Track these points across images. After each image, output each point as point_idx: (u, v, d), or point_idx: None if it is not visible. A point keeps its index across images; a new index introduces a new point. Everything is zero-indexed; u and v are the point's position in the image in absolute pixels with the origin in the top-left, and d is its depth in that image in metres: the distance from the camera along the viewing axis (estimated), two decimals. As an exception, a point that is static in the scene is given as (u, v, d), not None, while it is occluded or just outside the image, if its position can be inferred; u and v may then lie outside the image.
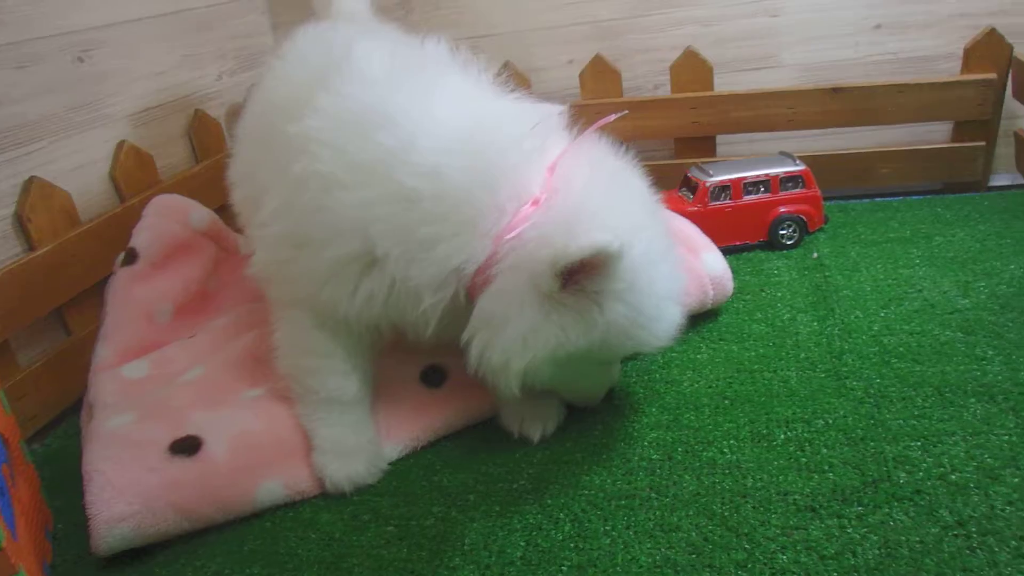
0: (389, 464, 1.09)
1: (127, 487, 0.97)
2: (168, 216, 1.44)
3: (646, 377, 1.23)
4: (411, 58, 1.10)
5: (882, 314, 1.29)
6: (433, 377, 1.18)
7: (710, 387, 1.18)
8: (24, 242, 1.30)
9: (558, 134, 1.04)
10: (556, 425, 1.13)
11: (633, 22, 1.87)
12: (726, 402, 1.14)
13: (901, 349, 1.19)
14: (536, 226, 0.93)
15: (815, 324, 1.30)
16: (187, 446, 1.02)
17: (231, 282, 1.49)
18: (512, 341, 0.93)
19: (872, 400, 1.09)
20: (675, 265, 1.02)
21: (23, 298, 1.25)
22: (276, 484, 1.04)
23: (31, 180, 1.31)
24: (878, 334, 1.24)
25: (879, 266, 1.45)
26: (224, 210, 1.60)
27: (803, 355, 1.22)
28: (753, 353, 1.25)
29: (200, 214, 1.50)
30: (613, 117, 1.05)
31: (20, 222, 1.29)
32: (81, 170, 1.43)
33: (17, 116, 1.30)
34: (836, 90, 1.71)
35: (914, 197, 1.73)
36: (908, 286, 1.37)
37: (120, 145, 1.51)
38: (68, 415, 1.33)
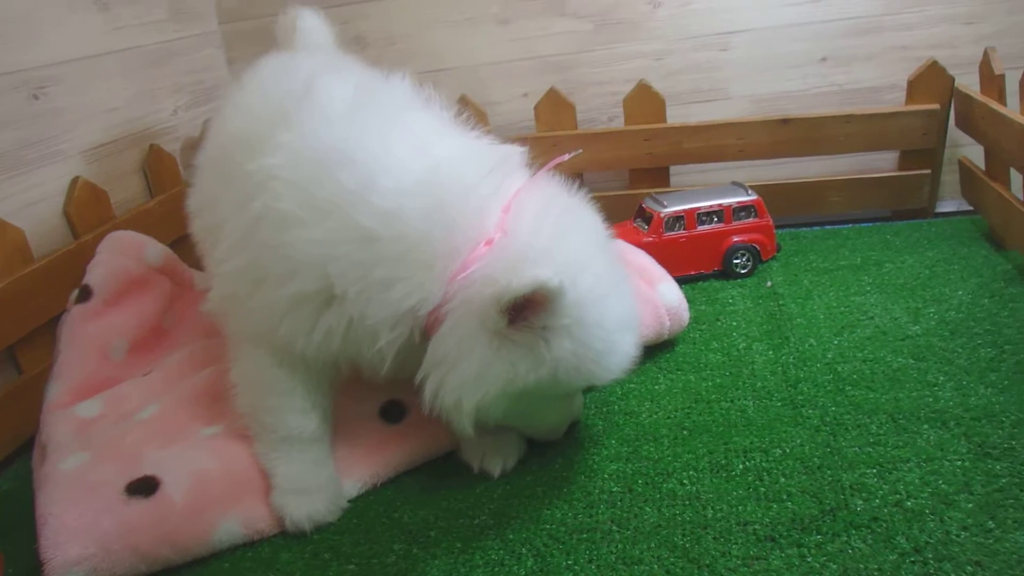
0: (349, 501, 1.08)
1: (82, 530, 0.95)
2: (122, 252, 1.43)
3: (605, 409, 1.24)
4: (373, 94, 1.09)
5: (835, 342, 1.32)
6: (393, 412, 1.18)
7: (668, 418, 1.19)
8: None
9: (516, 174, 1.04)
10: (516, 459, 1.13)
11: (581, 56, 1.90)
12: (685, 432, 1.15)
13: (855, 376, 1.21)
14: (486, 265, 0.93)
15: (770, 353, 1.32)
16: (143, 487, 1.01)
17: (186, 318, 1.48)
18: (463, 379, 0.93)
19: (828, 428, 1.10)
20: (626, 298, 1.01)
21: None
22: (234, 524, 1.02)
23: None
24: (832, 362, 1.26)
25: (831, 293, 1.48)
26: (179, 244, 1.62)
27: (759, 384, 1.24)
28: (710, 383, 1.26)
29: (154, 250, 1.49)
30: (567, 156, 1.07)
31: None
32: (35, 207, 1.42)
33: None
34: (785, 121, 1.76)
35: (863, 224, 1.78)
36: (860, 313, 1.39)
37: (74, 181, 1.50)
38: (19, 456, 1.31)
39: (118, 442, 1.11)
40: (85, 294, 1.35)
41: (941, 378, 1.18)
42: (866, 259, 1.60)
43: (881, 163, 1.82)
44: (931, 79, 1.70)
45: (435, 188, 0.97)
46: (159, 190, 1.75)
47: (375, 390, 1.18)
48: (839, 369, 1.24)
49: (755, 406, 1.18)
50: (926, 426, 1.08)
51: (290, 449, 1.07)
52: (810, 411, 1.15)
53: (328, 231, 0.96)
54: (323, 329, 1.00)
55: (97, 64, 1.60)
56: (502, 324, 0.90)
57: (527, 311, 0.90)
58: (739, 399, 1.21)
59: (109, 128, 1.62)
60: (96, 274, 1.37)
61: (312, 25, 1.47)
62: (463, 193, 0.97)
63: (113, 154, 1.63)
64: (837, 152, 1.78)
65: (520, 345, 0.92)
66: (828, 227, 1.79)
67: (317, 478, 1.06)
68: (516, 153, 1.07)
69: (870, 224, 1.77)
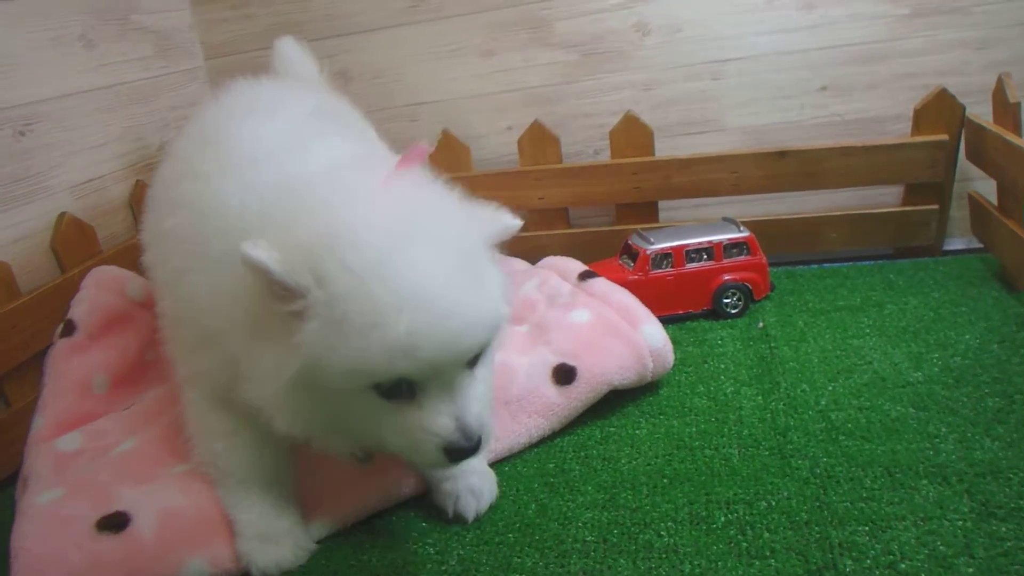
0: (316, 543, 1.07)
1: (51, 566, 0.98)
2: (105, 287, 1.48)
3: (583, 453, 1.20)
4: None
5: (830, 388, 1.25)
6: (362, 453, 1.14)
7: (648, 465, 1.14)
8: None
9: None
10: (490, 503, 1.10)
11: (567, 88, 1.87)
12: (665, 481, 1.10)
13: (849, 425, 1.15)
14: None
15: (759, 398, 1.26)
16: (114, 523, 1.02)
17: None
18: (252, 378, 0.92)
19: (818, 481, 1.04)
20: (409, 272, 0.83)
21: None
22: (202, 562, 1.02)
23: None
24: (825, 409, 1.20)
25: (827, 336, 1.42)
26: None
27: (746, 431, 1.18)
28: (694, 429, 1.21)
29: (137, 285, 1.52)
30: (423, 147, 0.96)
31: None
32: (22, 242, 1.47)
33: None
34: (782, 154, 1.70)
35: (864, 263, 1.71)
36: (857, 358, 1.33)
37: (61, 217, 1.55)
38: (5, 487, 1.33)
39: (92, 478, 1.13)
40: (69, 328, 1.39)
41: (943, 429, 1.11)
42: (866, 300, 1.54)
43: (885, 198, 1.76)
44: (939, 108, 1.64)
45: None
46: None
47: None
48: (832, 417, 1.17)
49: (740, 455, 1.13)
50: (925, 481, 1.01)
51: (249, 493, 1.06)
52: (799, 461, 1.09)
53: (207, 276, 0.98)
54: (218, 362, 0.98)
55: (83, 101, 1.65)
56: (261, 293, 0.85)
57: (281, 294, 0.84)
58: (724, 447, 1.15)
59: (96, 164, 1.68)
60: (80, 309, 1.42)
61: (292, 54, 1.54)
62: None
63: (100, 189, 1.68)
64: (837, 186, 1.72)
65: (282, 322, 0.85)
66: (826, 265, 1.73)
67: (280, 523, 1.05)
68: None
69: (871, 263, 1.71)
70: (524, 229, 1.80)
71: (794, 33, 1.72)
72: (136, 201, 1.77)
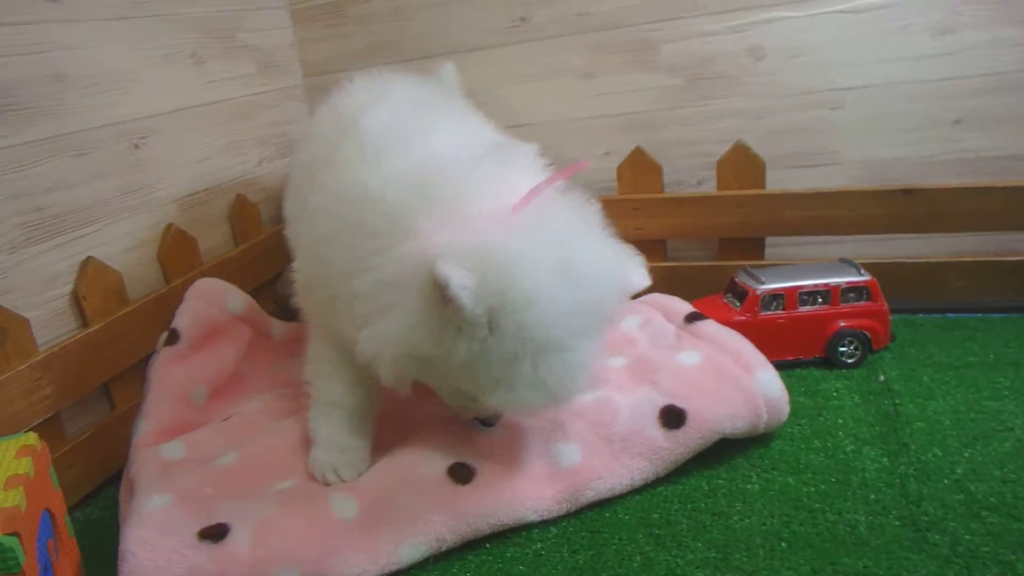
0: (410, 567, 1.10)
1: (154, 572, 1.04)
2: (207, 299, 1.56)
3: (689, 505, 1.15)
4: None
5: (966, 454, 1.17)
6: (461, 474, 1.16)
7: (763, 524, 1.08)
8: (79, 319, 1.42)
9: (523, 169, 1.10)
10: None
11: (670, 114, 1.81)
12: (783, 544, 1.04)
13: (993, 500, 1.07)
14: (448, 239, 0.99)
15: (885, 460, 1.18)
16: (215, 533, 1.08)
17: (264, 366, 1.60)
18: (387, 332, 1.03)
19: (961, 561, 0.96)
20: (571, 356, 1.00)
21: (76, 373, 1.37)
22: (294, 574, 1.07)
23: (88, 260, 1.43)
24: (963, 479, 1.12)
25: (958, 395, 1.33)
26: (260, 291, 1.84)
27: (872, 496, 1.11)
28: (812, 488, 1.14)
29: (237, 299, 1.62)
30: (578, 166, 1.09)
31: (76, 300, 1.41)
32: (131, 252, 1.56)
33: (75, 200, 1.43)
34: (907, 192, 1.61)
35: (995, 315, 1.62)
36: (996, 422, 1.25)
37: (168, 228, 1.63)
38: (108, 486, 1.41)
39: (197, 489, 1.19)
40: (173, 337, 1.47)
41: (1102, 508, 1.03)
42: (1000, 357, 1.44)
43: (1019, 244, 1.66)
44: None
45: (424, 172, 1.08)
46: (243, 239, 1.87)
47: (442, 451, 1.20)
48: (972, 489, 1.09)
49: (868, 522, 1.06)
50: (1087, 567, 0.93)
51: (332, 413, 1.25)
52: (937, 536, 1.01)
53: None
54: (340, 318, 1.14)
55: (191, 116, 1.73)
56: (435, 296, 0.96)
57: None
58: (848, 512, 1.09)
59: (200, 178, 1.75)
60: (183, 319, 1.49)
61: (447, 75, 1.69)
62: (447, 175, 1.06)
63: (202, 203, 1.76)
64: (967, 230, 1.63)
65: (439, 323, 0.98)
66: (950, 315, 1.64)
67: (350, 441, 1.23)
68: (526, 151, 1.15)
69: (1003, 315, 1.61)
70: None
71: (925, 60, 1.63)
72: (235, 215, 1.84)
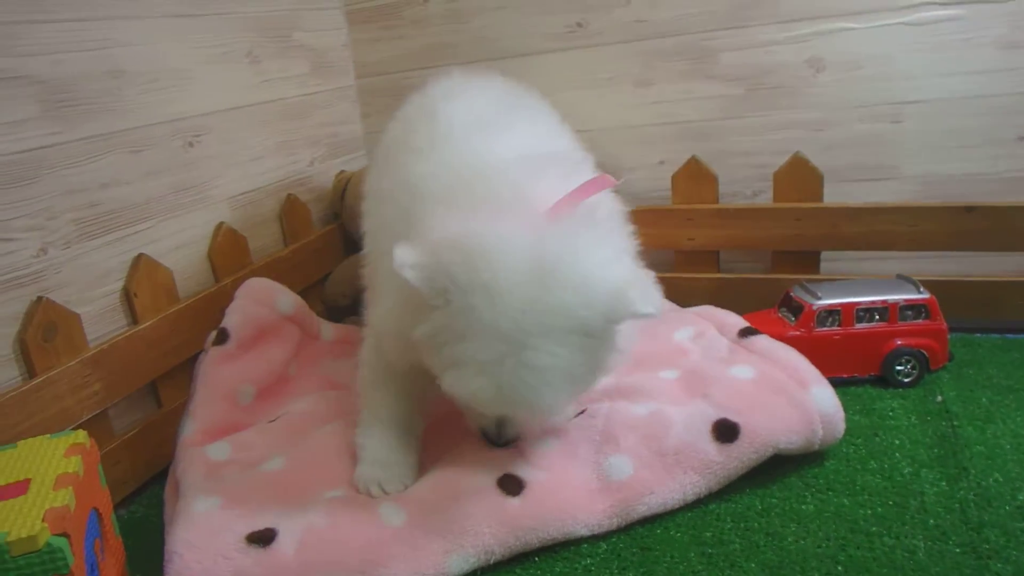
0: None
1: (200, 574, 1.05)
2: (257, 299, 1.56)
3: (742, 524, 1.13)
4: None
5: (1030, 480, 1.15)
6: (510, 485, 1.14)
7: (818, 547, 1.07)
8: (129, 316, 1.43)
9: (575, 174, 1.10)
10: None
11: (727, 123, 1.80)
12: (839, 568, 1.02)
13: (1058, 528, 1.04)
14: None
15: (944, 484, 1.16)
16: (262, 538, 1.08)
17: (311, 367, 1.60)
18: (383, 312, 1.15)
19: (1026, 590, 0.94)
20: (525, 354, 0.98)
21: (125, 370, 1.38)
22: None
23: (139, 257, 1.44)
24: (1026, 505, 1.10)
25: (1019, 419, 1.30)
26: (309, 291, 1.87)
27: (932, 522, 1.09)
28: (869, 511, 1.12)
29: (287, 299, 1.61)
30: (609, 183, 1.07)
31: (127, 296, 1.43)
32: (182, 249, 1.57)
33: (129, 197, 1.44)
34: (969, 209, 1.59)
35: (1056, 337, 1.58)
36: (1058, 448, 1.22)
37: (219, 227, 1.65)
38: (153, 484, 1.43)
39: (246, 493, 1.19)
40: (222, 337, 1.48)
41: None
42: (1062, 380, 1.41)
43: (1082, 267, 1.63)
44: None
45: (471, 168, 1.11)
46: (293, 239, 1.88)
47: (491, 462, 1.19)
48: (1035, 516, 1.07)
49: (927, 548, 1.04)
50: None
51: (378, 427, 1.25)
52: (1000, 565, 0.99)
53: None
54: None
55: (245, 115, 1.74)
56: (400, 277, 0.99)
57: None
58: (906, 536, 1.06)
59: (252, 177, 1.76)
60: (233, 319, 1.50)
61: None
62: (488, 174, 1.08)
63: (253, 202, 1.77)
64: (1031, 249, 1.60)
65: (414, 304, 1.03)
66: (1010, 336, 1.61)
67: (393, 456, 1.22)
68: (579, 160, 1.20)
69: (1064, 338, 1.58)
70: (670, 270, 1.78)
71: (991, 75, 1.61)
72: (286, 215, 1.85)
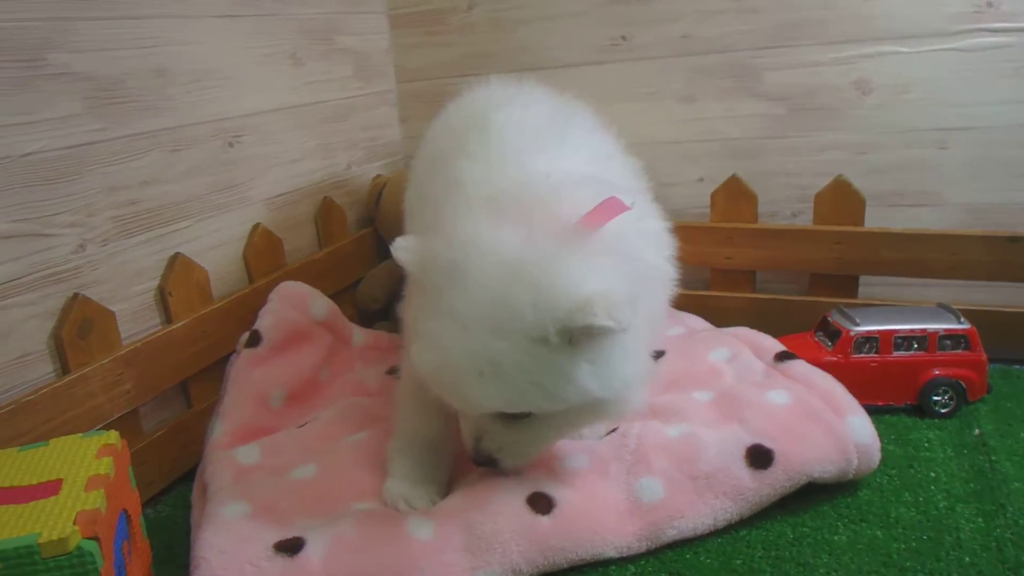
0: None
1: None
2: (290, 303, 1.57)
3: (773, 553, 1.12)
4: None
5: (1068, 521, 1.14)
6: (541, 503, 1.14)
7: (851, 580, 1.05)
8: (163, 315, 1.44)
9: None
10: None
11: (769, 143, 1.80)
12: None
13: (1097, 571, 1.03)
14: None
15: (980, 521, 1.15)
16: (290, 546, 1.08)
17: (342, 373, 1.61)
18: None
19: (1064, 635, 0.93)
20: (465, 336, 1.01)
21: (157, 369, 1.39)
22: None
23: (176, 256, 1.46)
24: (1065, 547, 1.08)
25: (1060, 457, 1.29)
26: (343, 295, 1.88)
27: (967, 559, 1.08)
28: (903, 545, 1.12)
29: (321, 304, 1.63)
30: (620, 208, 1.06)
31: (162, 295, 1.44)
32: (218, 249, 1.58)
33: (168, 196, 1.45)
34: (1013, 239, 1.57)
35: (1098, 374, 1.57)
36: (1098, 488, 1.21)
37: (255, 228, 1.66)
38: (179, 483, 1.43)
39: (276, 501, 1.19)
40: (255, 339, 1.48)
41: None
42: (1106, 419, 1.40)
43: None
44: None
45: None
46: (328, 241, 1.89)
47: (521, 479, 1.18)
48: (1076, 558, 1.06)
49: (962, 586, 1.02)
50: None
51: (409, 445, 1.26)
52: (1038, 607, 0.98)
53: None
54: None
55: (286, 116, 1.75)
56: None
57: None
58: (940, 573, 1.06)
59: (289, 179, 1.77)
60: (266, 321, 1.51)
61: None
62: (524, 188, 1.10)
63: (290, 204, 1.78)
64: (1076, 283, 1.58)
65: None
66: (1049, 370, 1.59)
67: (423, 473, 1.23)
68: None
69: (1106, 374, 1.56)
70: (705, 288, 1.77)
71: (1038, 103, 1.60)
72: (322, 217, 1.85)
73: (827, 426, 1.23)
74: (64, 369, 1.24)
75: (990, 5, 1.58)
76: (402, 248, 1.08)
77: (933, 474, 1.27)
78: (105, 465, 1.00)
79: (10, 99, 1.17)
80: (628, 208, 1.04)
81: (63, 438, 1.08)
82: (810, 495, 1.21)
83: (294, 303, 1.57)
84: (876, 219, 1.71)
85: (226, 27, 1.57)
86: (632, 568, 1.12)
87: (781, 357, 1.43)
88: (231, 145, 1.58)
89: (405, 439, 1.27)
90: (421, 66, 2.09)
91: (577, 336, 0.98)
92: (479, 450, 1.13)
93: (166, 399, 1.45)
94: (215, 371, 1.52)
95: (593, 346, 1.00)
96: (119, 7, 1.33)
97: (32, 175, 1.20)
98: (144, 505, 1.30)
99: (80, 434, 1.10)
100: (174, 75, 1.44)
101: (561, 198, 1.06)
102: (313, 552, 1.07)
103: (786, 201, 1.81)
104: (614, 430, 1.30)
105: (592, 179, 1.12)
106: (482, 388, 1.01)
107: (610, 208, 1.03)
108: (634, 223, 1.09)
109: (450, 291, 1.01)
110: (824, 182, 1.71)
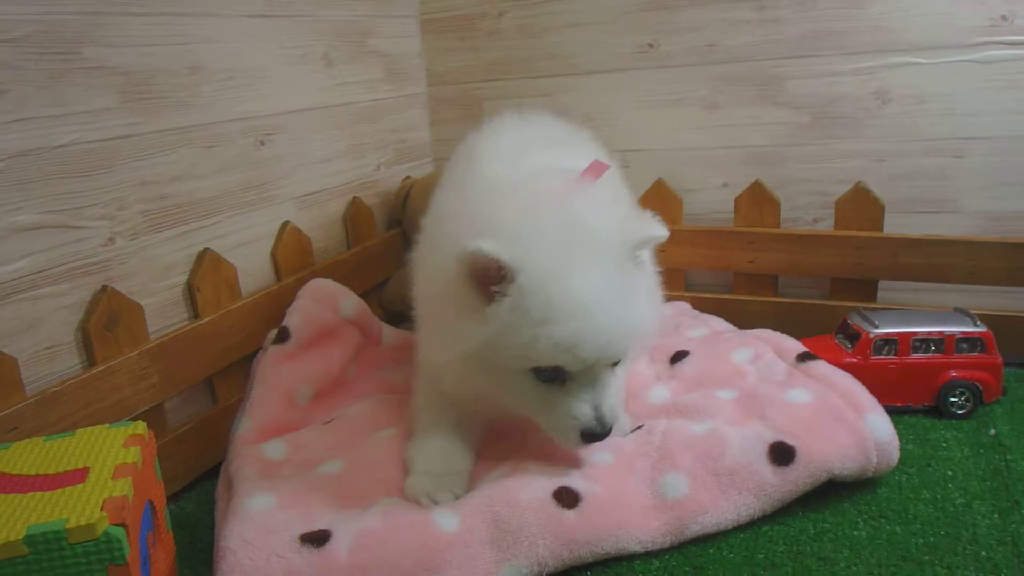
0: None
1: (252, 571, 1.06)
2: (320, 301, 1.60)
3: (795, 548, 1.15)
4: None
5: (1082, 517, 1.17)
6: (566, 498, 1.16)
7: (871, 573, 1.09)
8: (190, 310, 1.46)
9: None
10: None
11: (791, 150, 1.84)
12: None
13: (1113, 567, 1.07)
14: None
15: (996, 517, 1.19)
16: (316, 538, 1.09)
17: (370, 371, 1.63)
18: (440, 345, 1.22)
19: (1078, 626, 0.97)
20: (585, 285, 1.08)
21: (183, 363, 1.41)
22: None
23: (204, 252, 1.48)
24: (1078, 542, 1.12)
25: (1073, 457, 1.33)
26: (371, 294, 1.93)
27: (983, 553, 1.11)
28: (921, 540, 1.15)
29: (350, 302, 1.66)
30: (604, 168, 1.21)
31: (190, 290, 1.45)
32: (247, 246, 1.60)
33: (198, 192, 1.47)
34: (1028, 246, 1.62)
35: (1112, 377, 1.60)
36: (1114, 487, 1.24)
37: (284, 226, 1.68)
38: (204, 479, 1.44)
39: (303, 495, 1.21)
40: (283, 336, 1.51)
41: None
42: (1119, 421, 1.43)
43: None
44: None
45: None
46: (356, 241, 1.92)
47: (547, 474, 1.21)
48: (1090, 554, 1.10)
49: (979, 580, 1.06)
50: None
51: (429, 438, 1.29)
52: (1052, 599, 1.02)
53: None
54: None
55: (317, 116, 1.78)
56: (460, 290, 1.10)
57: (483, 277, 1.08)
58: (958, 567, 1.09)
59: (319, 178, 1.80)
60: (294, 318, 1.54)
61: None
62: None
63: (319, 203, 1.81)
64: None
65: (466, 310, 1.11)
66: (1063, 374, 1.63)
67: (443, 464, 1.25)
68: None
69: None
70: (729, 292, 1.82)
71: (1055, 115, 1.64)
72: (350, 217, 1.89)
73: (848, 424, 1.26)
74: (91, 361, 1.26)
75: (1005, 19, 1.62)
76: (489, 247, 1.05)
77: (950, 472, 1.31)
78: (133, 454, 1.01)
79: (45, 91, 1.19)
80: (608, 167, 1.21)
81: (89, 428, 1.09)
82: (830, 492, 1.24)
83: (323, 301, 1.60)
84: (895, 225, 1.75)
85: (259, 27, 1.59)
86: (656, 563, 1.15)
87: (803, 357, 1.46)
88: (262, 143, 1.61)
89: (423, 434, 1.30)
90: (451, 70, 2.14)
91: (640, 253, 1.17)
92: (602, 419, 1.14)
93: (192, 394, 1.47)
94: (241, 368, 1.54)
95: (642, 275, 1.19)
96: (154, 3, 1.35)
97: (64, 167, 1.22)
98: (167, 500, 1.28)
99: (106, 424, 1.10)
100: (207, 72, 1.47)
101: (554, 175, 1.21)
102: (339, 544, 1.08)
103: (808, 207, 1.85)
104: (639, 427, 1.33)
105: (564, 168, 1.25)
106: (623, 319, 1.11)
107: (598, 167, 1.19)
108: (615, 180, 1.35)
109: (555, 252, 1.08)
110: (844, 189, 1.75)
